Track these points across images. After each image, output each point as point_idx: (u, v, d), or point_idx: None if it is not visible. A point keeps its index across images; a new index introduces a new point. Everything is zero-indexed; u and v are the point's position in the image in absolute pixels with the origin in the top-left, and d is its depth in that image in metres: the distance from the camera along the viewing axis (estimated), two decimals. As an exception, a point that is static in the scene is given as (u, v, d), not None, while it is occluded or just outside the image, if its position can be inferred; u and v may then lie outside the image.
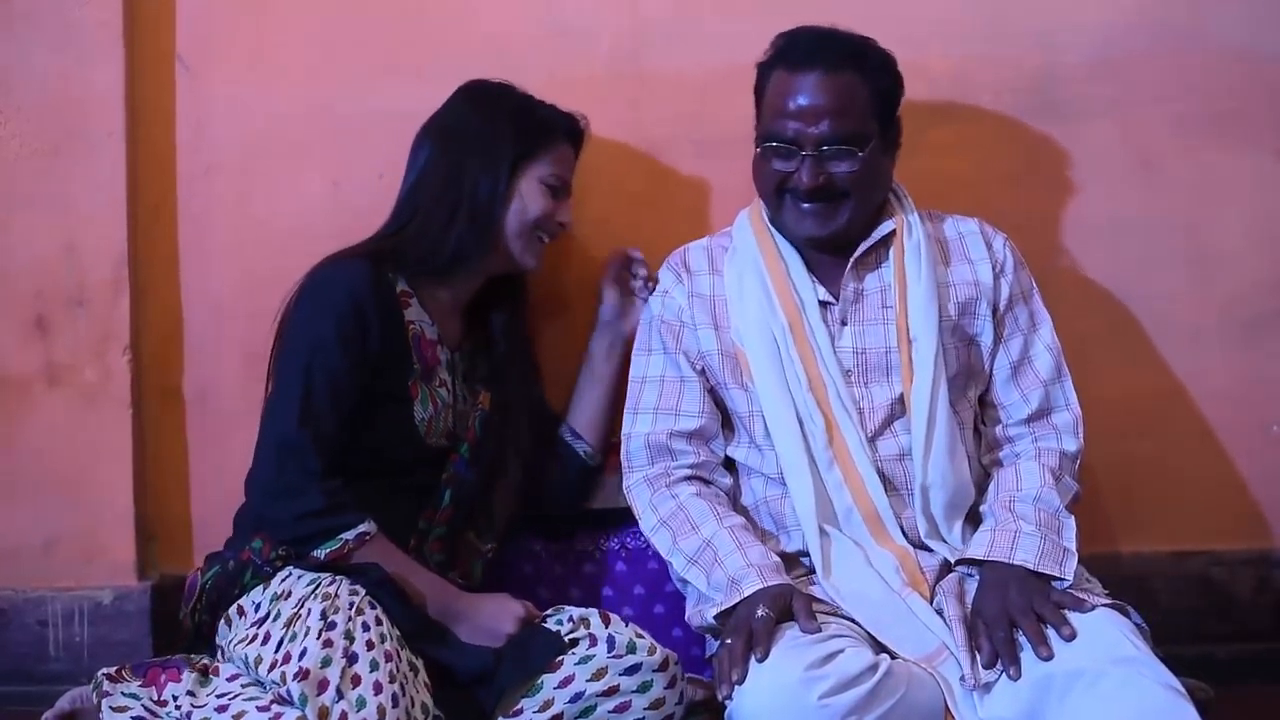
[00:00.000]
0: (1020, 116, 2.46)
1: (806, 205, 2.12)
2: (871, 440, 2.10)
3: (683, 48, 2.46)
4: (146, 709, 1.91)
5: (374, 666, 1.81)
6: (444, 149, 2.21)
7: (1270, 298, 2.48)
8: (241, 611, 2.01)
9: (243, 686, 1.87)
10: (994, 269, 2.20)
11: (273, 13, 2.48)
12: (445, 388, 2.20)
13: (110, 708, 1.91)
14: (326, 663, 1.80)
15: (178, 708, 1.89)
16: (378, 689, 1.79)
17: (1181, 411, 2.48)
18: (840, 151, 2.09)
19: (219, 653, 2.02)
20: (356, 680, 1.80)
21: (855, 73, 2.11)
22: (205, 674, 1.94)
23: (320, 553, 1.99)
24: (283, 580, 1.98)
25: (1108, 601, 1.96)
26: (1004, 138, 2.47)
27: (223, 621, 2.03)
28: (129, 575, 2.44)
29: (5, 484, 2.45)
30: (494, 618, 2.02)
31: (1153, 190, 2.47)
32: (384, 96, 2.47)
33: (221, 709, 1.84)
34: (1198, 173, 2.47)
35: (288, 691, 1.80)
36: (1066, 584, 1.97)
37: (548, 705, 1.94)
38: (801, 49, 2.13)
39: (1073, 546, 2.02)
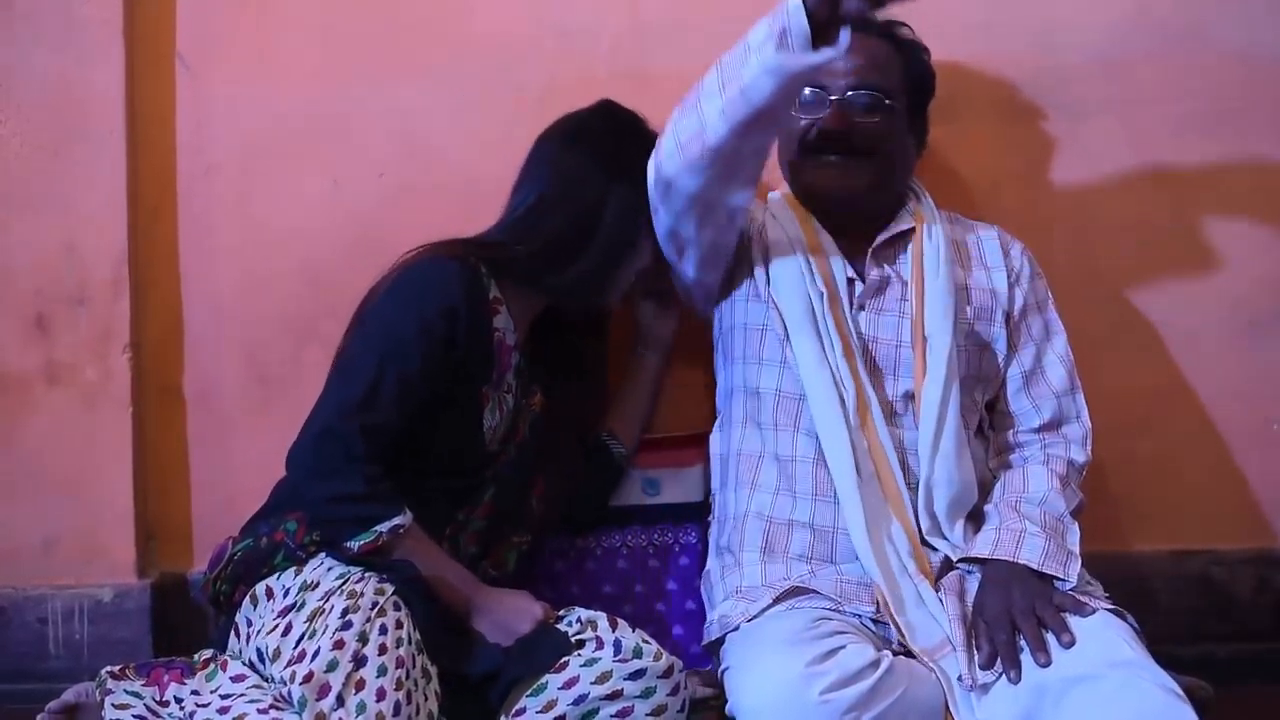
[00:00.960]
0: (1020, 116, 2.46)
1: (830, 157, 2.13)
2: None
3: (683, 48, 2.45)
4: (148, 708, 1.90)
5: (382, 671, 1.80)
6: (598, 168, 2.13)
7: (1270, 298, 2.48)
8: (270, 594, 1.98)
9: (247, 688, 1.87)
10: (1010, 277, 2.21)
11: (273, 12, 2.48)
12: (510, 393, 2.16)
13: (112, 704, 1.90)
14: (332, 667, 1.79)
15: (181, 708, 1.89)
16: (380, 695, 1.78)
17: (1182, 410, 2.48)
18: (869, 99, 2.11)
19: (235, 631, 2.01)
20: (361, 685, 1.78)
21: (891, 46, 2.17)
22: (211, 664, 1.94)
23: (354, 544, 1.95)
24: (314, 568, 1.95)
25: (1108, 606, 1.96)
26: (1004, 138, 2.47)
27: (248, 599, 2.00)
28: (129, 574, 2.44)
29: (5, 484, 2.45)
30: (512, 616, 2.00)
31: (1153, 190, 2.47)
32: (384, 96, 2.47)
33: (223, 710, 1.84)
34: (1198, 173, 2.47)
35: (290, 693, 1.79)
36: (1069, 586, 1.97)
37: (551, 706, 1.93)
38: None
39: (1076, 550, 2.02)
